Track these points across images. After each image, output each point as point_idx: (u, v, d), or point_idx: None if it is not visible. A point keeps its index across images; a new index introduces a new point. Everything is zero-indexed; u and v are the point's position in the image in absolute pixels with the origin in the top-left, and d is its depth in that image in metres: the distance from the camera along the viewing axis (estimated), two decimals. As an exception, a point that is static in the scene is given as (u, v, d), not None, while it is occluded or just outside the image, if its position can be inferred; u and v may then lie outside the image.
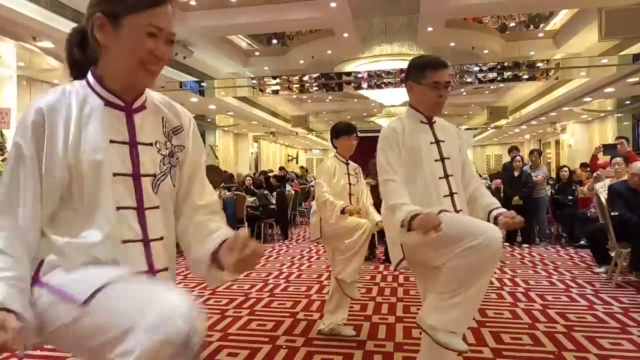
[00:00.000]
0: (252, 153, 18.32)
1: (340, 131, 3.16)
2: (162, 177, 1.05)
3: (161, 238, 1.09)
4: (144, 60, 1.01)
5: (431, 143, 1.89)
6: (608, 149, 6.59)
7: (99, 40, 1.00)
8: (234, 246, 0.97)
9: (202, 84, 9.69)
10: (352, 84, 10.04)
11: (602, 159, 6.86)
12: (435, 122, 1.95)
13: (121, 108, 1.04)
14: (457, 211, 1.83)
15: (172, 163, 1.08)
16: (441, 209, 1.69)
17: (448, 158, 1.88)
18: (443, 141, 1.90)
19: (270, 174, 11.74)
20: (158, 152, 1.06)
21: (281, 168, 14.55)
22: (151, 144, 1.06)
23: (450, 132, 1.99)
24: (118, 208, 0.99)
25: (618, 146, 6.21)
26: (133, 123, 1.05)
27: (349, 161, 3.21)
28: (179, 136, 1.12)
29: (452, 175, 1.87)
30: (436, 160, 1.86)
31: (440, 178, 1.85)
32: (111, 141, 1.00)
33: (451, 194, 1.85)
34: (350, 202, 3.10)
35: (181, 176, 1.12)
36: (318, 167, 3.15)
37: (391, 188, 1.76)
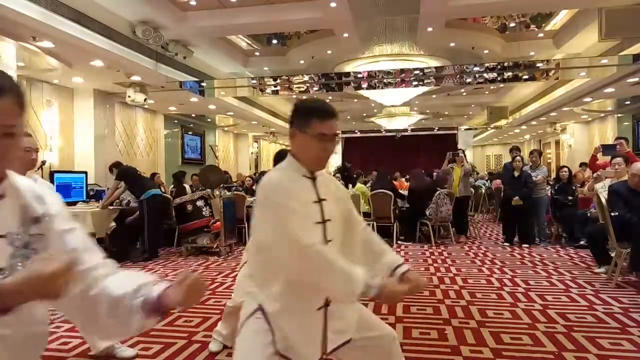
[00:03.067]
0: (252, 153, 18.32)
1: None
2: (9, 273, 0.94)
3: None
4: None
5: (313, 202, 1.59)
6: (607, 149, 6.58)
7: None
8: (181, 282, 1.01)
9: (202, 84, 9.69)
10: (352, 84, 10.03)
11: (602, 159, 6.86)
12: (316, 177, 1.64)
13: None
14: (326, 304, 1.61)
15: (27, 255, 0.97)
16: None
17: (329, 220, 1.59)
18: (325, 200, 1.61)
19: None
20: (10, 244, 0.96)
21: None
22: (3, 236, 0.96)
23: (331, 187, 1.69)
24: None
25: (617, 146, 6.21)
26: None
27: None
28: (40, 225, 1.02)
29: (330, 241, 1.59)
30: (317, 223, 1.57)
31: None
32: None
33: None
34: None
35: None
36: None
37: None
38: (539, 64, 9.45)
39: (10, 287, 0.83)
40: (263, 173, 10.75)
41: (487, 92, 14.68)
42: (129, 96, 8.53)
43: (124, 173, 6.64)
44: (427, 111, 17.28)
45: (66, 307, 1.05)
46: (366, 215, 7.58)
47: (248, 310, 1.58)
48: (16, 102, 0.94)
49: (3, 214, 0.98)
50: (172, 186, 9.17)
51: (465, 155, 8.09)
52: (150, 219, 6.40)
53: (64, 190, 6.62)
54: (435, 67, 10.05)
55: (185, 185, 8.96)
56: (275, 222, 1.49)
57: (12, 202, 1.00)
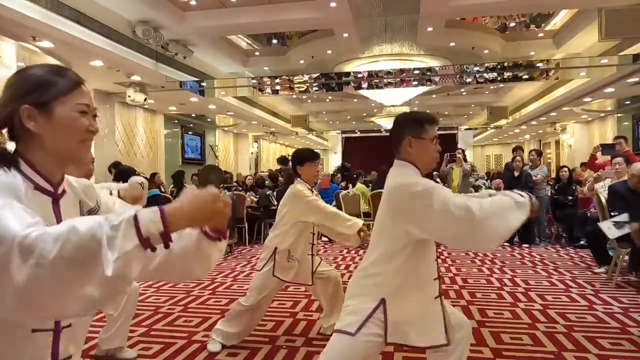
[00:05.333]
0: (252, 153, 18.31)
1: (304, 158, 3.03)
2: None
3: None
4: (83, 137, 1.06)
5: None
6: (606, 148, 6.58)
7: (32, 129, 1.01)
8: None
9: (202, 84, 9.68)
10: (352, 84, 10.03)
11: (601, 158, 6.86)
12: None
13: (48, 193, 1.03)
14: (440, 294, 1.86)
15: None
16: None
17: None
18: None
19: (263, 173, 11.47)
20: None
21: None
22: None
23: None
24: None
25: (616, 146, 6.20)
26: (59, 208, 1.05)
27: (312, 188, 3.09)
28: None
29: None
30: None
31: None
32: None
33: (437, 258, 1.86)
34: (314, 227, 3.03)
35: None
36: (292, 192, 2.99)
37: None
38: (539, 64, 9.45)
39: (175, 210, 0.89)
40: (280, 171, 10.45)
41: (487, 92, 14.68)
42: (129, 96, 8.52)
43: (123, 174, 6.63)
44: (427, 111, 17.25)
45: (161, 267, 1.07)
46: (366, 215, 7.58)
47: (367, 307, 1.70)
48: None
49: (68, 208, 1.07)
50: (172, 186, 9.17)
51: (464, 155, 8.06)
52: None
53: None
54: (436, 67, 10.05)
55: (185, 185, 8.96)
56: (437, 202, 1.58)
57: (73, 197, 1.11)
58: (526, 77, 9.61)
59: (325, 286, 3.19)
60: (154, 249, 0.85)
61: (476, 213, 1.51)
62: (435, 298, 1.77)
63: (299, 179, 3.04)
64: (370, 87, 10.10)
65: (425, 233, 1.66)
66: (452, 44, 9.41)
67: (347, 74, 10.13)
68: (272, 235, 3.07)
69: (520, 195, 1.61)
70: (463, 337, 1.85)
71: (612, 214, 4.51)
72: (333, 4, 6.89)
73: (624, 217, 4.17)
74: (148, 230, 0.83)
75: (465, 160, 8.11)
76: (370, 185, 8.94)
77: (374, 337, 1.68)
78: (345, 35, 8.52)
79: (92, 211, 1.12)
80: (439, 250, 6.97)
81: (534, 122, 15.67)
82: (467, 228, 1.54)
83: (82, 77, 1.14)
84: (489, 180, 13.26)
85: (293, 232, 2.98)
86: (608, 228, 4.34)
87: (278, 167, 11.62)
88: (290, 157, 3.02)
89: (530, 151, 7.87)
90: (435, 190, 1.61)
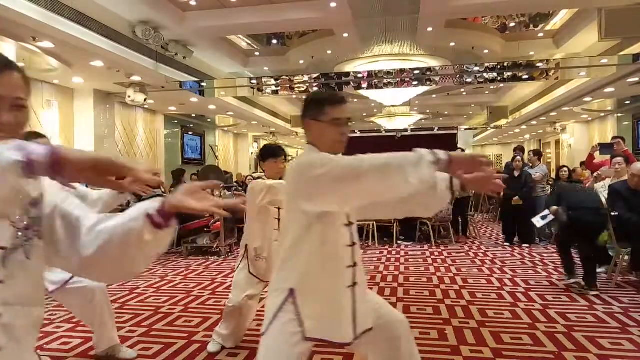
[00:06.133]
0: (252, 153, 18.30)
1: (266, 154, 3.00)
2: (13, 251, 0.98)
3: None
4: None
5: None
6: (605, 148, 6.57)
7: None
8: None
9: (202, 84, 9.68)
10: (352, 84, 10.03)
11: (599, 158, 6.85)
12: None
13: None
14: (355, 264, 1.68)
15: (28, 236, 1.00)
16: None
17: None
18: None
19: (262, 173, 11.50)
20: (12, 225, 0.99)
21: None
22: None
23: None
24: None
25: (615, 146, 6.20)
26: None
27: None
28: (38, 208, 1.04)
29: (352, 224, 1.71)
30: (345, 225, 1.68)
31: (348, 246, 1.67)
32: None
33: (352, 245, 1.69)
34: (279, 225, 2.94)
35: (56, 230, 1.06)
36: (249, 188, 2.97)
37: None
38: (539, 64, 9.44)
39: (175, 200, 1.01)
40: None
41: (487, 92, 14.68)
42: (129, 96, 8.52)
43: None
44: (427, 111, 17.28)
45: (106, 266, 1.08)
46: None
47: (278, 301, 1.61)
48: (22, 77, 1.01)
49: None
50: (171, 185, 9.17)
51: None
52: None
53: (64, 190, 6.61)
54: (436, 67, 10.05)
55: (184, 182, 8.96)
56: (322, 168, 1.43)
57: None
58: (526, 77, 9.60)
59: None
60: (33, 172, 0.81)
61: (363, 165, 1.35)
62: (348, 287, 1.63)
63: (264, 174, 3.05)
64: (370, 87, 10.10)
65: (318, 204, 1.53)
66: (452, 44, 9.41)
67: (347, 74, 10.12)
68: (244, 232, 3.10)
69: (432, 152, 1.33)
70: (390, 338, 1.73)
71: (613, 214, 4.51)
72: (333, 4, 6.89)
73: (547, 212, 5.07)
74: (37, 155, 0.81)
75: None
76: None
77: (290, 328, 1.56)
78: (345, 35, 8.53)
79: (36, 203, 1.04)
80: (438, 250, 6.99)
81: (534, 122, 15.67)
82: (355, 184, 1.38)
83: (17, 64, 1.03)
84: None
85: (255, 228, 2.96)
86: (537, 221, 5.35)
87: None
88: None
89: (529, 152, 7.87)
90: (323, 159, 1.48)
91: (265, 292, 4.23)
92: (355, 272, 1.67)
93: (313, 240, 1.61)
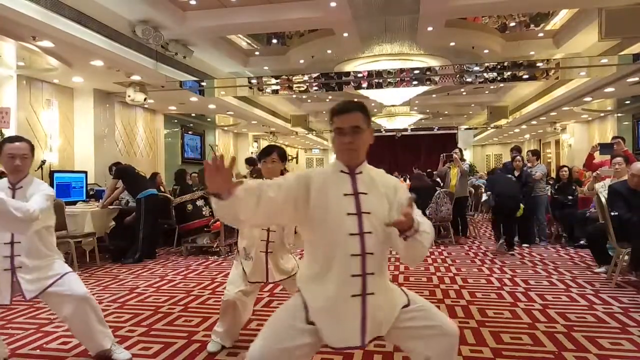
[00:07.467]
0: (252, 153, 18.30)
1: (260, 155, 3.05)
2: None
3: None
4: None
5: (344, 195, 1.69)
6: (604, 148, 6.58)
7: None
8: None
9: (202, 83, 9.67)
10: (352, 84, 10.02)
11: (599, 158, 6.86)
12: (360, 172, 1.76)
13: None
14: (365, 274, 1.64)
15: None
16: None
17: (368, 212, 1.67)
18: (365, 193, 1.71)
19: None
20: None
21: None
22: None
23: (376, 183, 1.77)
24: None
25: (615, 145, 6.20)
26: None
27: None
28: None
29: (370, 233, 1.65)
30: (349, 214, 1.66)
31: (351, 235, 1.64)
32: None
33: (362, 254, 1.63)
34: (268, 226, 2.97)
35: None
36: None
37: None
38: (539, 64, 9.44)
39: None
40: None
41: (487, 92, 14.68)
42: (129, 96, 8.52)
43: (121, 172, 6.63)
44: (427, 111, 17.27)
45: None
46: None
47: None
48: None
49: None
50: (174, 184, 9.17)
51: (462, 155, 8.05)
52: (146, 218, 6.34)
53: (64, 190, 6.61)
54: (436, 67, 10.05)
55: (188, 182, 8.96)
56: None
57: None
58: (526, 77, 9.60)
59: (293, 287, 3.14)
60: None
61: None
62: (353, 296, 1.63)
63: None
64: (370, 86, 10.10)
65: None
66: (452, 44, 9.41)
67: (347, 74, 10.12)
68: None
69: None
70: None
71: (612, 213, 4.51)
72: (333, 4, 6.89)
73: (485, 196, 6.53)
74: None
75: (463, 160, 8.10)
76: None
77: (295, 305, 1.71)
78: (345, 35, 8.52)
79: None
80: (438, 250, 6.98)
81: (534, 122, 15.67)
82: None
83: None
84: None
85: (244, 229, 2.99)
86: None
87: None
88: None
89: (528, 152, 7.87)
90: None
91: (265, 292, 4.22)
92: (366, 281, 1.65)
93: (310, 246, 1.77)
